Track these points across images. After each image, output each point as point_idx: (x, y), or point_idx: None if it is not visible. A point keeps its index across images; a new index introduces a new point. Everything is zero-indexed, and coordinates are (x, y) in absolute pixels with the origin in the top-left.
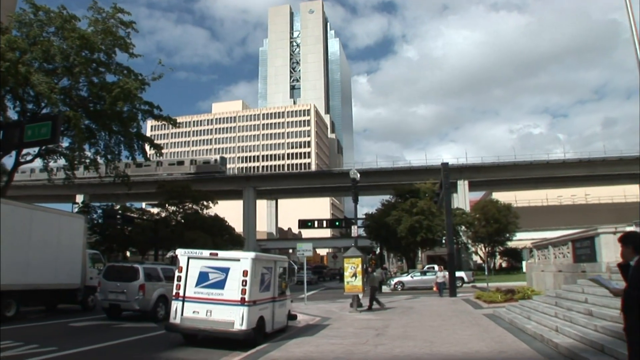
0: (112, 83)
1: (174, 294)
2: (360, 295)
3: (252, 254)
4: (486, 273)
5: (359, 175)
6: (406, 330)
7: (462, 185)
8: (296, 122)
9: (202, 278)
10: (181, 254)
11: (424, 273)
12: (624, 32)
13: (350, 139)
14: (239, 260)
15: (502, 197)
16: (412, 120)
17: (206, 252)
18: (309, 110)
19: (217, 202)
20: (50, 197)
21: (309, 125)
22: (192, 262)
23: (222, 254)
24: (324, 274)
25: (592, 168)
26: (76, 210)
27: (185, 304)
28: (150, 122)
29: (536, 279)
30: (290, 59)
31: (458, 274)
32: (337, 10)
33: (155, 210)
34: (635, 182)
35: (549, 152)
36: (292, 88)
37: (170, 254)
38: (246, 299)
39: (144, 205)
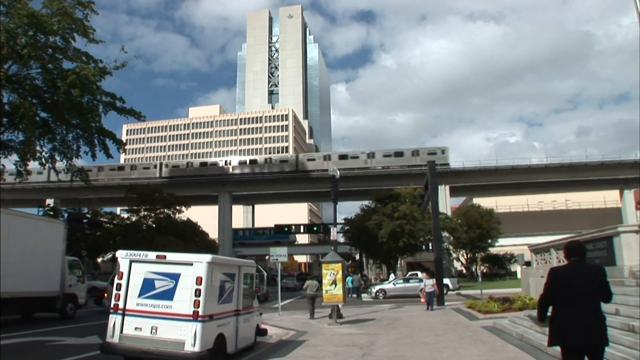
0: (67, 70)
1: (111, 305)
2: (341, 305)
3: (207, 257)
4: (480, 279)
5: (338, 172)
6: (397, 349)
7: (444, 190)
8: (274, 127)
9: (147, 286)
10: (122, 256)
11: (407, 280)
12: (596, 44)
13: (328, 147)
14: (191, 264)
15: (483, 202)
16: (391, 128)
17: (152, 255)
18: (287, 115)
19: (189, 206)
20: (18, 201)
21: (287, 130)
22: (135, 266)
23: (171, 256)
24: None
25: (574, 173)
26: (40, 213)
27: (126, 318)
28: (125, 126)
29: (535, 286)
30: (269, 63)
31: (444, 281)
32: (317, 20)
33: (127, 215)
34: (615, 188)
35: (526, 159)
36: (271, 93)
37: (108, 255)
38: (200, 313)
39: (119, 210)
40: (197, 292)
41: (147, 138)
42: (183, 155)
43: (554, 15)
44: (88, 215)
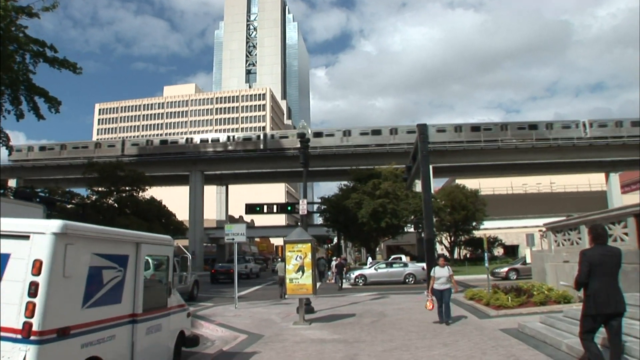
0: None
1: None
2: (312, 298)
3: (56, 224)
4: (486, 265)
5: (309, 130)
6: None
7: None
8: (251, 106)
9: None
10: None
11: (390, 265)
12: (574, 34)
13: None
14: (27, 237)
15: (467, 184)
16: (371, 113)
17: None
18: (264, 95)
19: (153, 185)
20: None
21: (264, 110)
22: None
23: None
24: None
25: (562, 154)
26: None
27: None
28: (98, 105)
29: (554, 272)
30: (247, 42)
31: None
32: (298, 5)
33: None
34: (602, 171)
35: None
36: (248, 72)
37: None
38: (35, 327)
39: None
40: (33, 289)
41: (120, 117)
42: (157, 134)
43: (532, 4)
44: (41, 194)
